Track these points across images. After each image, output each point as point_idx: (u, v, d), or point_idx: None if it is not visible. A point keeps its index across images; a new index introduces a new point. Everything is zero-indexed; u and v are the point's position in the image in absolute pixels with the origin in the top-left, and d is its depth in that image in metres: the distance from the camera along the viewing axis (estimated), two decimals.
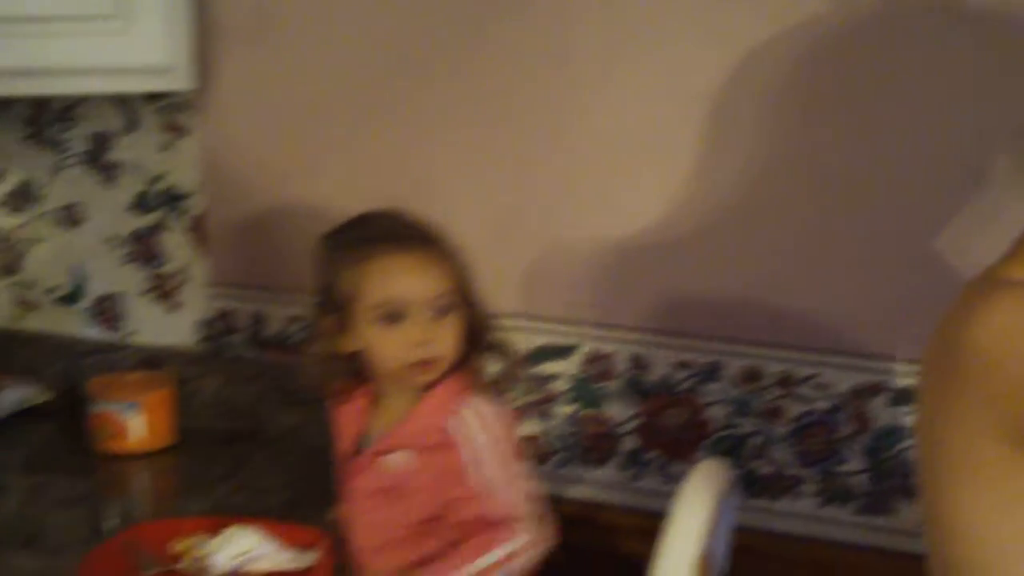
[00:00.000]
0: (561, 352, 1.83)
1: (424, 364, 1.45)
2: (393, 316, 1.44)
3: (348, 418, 1.56)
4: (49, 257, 2.16)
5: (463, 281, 1.48)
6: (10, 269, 2.19)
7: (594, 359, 1.82)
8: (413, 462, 1.46)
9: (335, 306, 1.48)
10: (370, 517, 1.50)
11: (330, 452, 1.90)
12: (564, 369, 1.84)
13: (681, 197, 1.73)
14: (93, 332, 2.15)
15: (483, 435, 1.44)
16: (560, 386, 1.85)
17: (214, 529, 1.58)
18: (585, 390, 1.82)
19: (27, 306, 2.19)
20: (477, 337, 1.50)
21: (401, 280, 1.44)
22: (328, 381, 1.55)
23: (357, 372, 1.53)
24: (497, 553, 1.39)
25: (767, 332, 1.73)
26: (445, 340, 1.46)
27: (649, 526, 1.66)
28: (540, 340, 1.83)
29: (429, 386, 1.48)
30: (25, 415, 2.07)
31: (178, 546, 1.56)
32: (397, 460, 1.47)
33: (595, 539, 1.79)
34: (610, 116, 1.74)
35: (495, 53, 1.79)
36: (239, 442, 2.01)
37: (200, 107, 1.98)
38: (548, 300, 1.82)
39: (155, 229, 2.06)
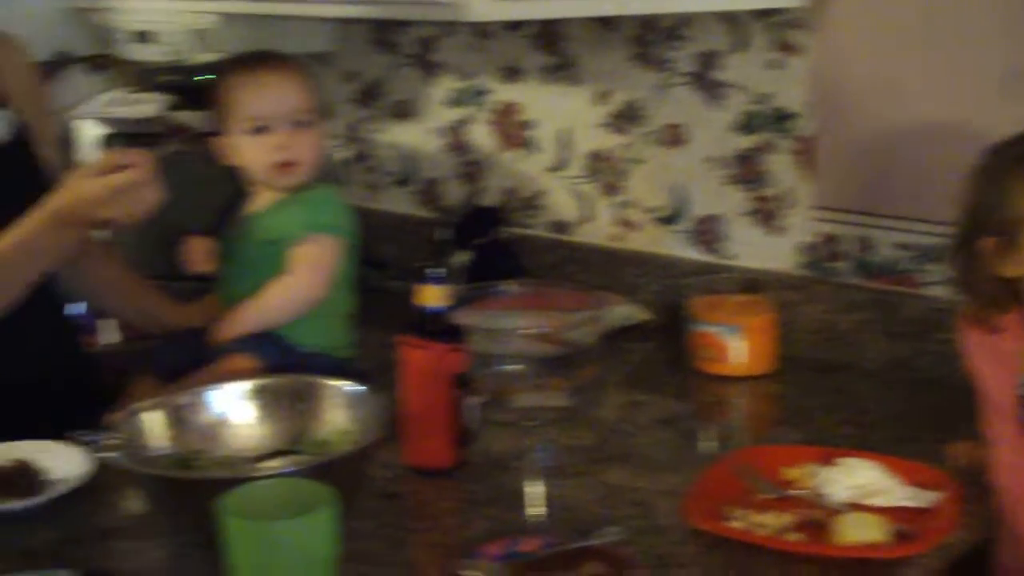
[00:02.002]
0: None
1: None
2: None
3: (997, 350, 1.52)
4: (651, 177, 2.26)
5: None
6: (612, 189, 2.32)
7: None
8: None
9: (1000, 226, 1.44)
10: None
11: (941, 385, 1.87)
12: None
13: None
14: (693, 253, 2.24)
15: None
16: None
17: (825, 459, 1.60)
18: None
19: (628, 226, 2.31)
20: None
21: None
22: (981, 307, 1.51)
23: (1008, 298, 1.49)
24: None
25: None
26: None
27: None
28: None
29: None
30: (626, 333, 2.20)
31: (790, 473, 1.60)
32: None
33: None
34: None
35: None
36: (841, 372, 2.02)
37: (814, 24, 1.98)
38: None
39: (759, 150, 2.10)
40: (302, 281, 1.85)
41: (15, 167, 1.89)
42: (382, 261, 2.58)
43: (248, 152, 1.88)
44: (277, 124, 1.86)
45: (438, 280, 1.65)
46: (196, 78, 2.45)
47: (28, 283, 1.79)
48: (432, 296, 1.64)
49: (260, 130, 1.86)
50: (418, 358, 1.65)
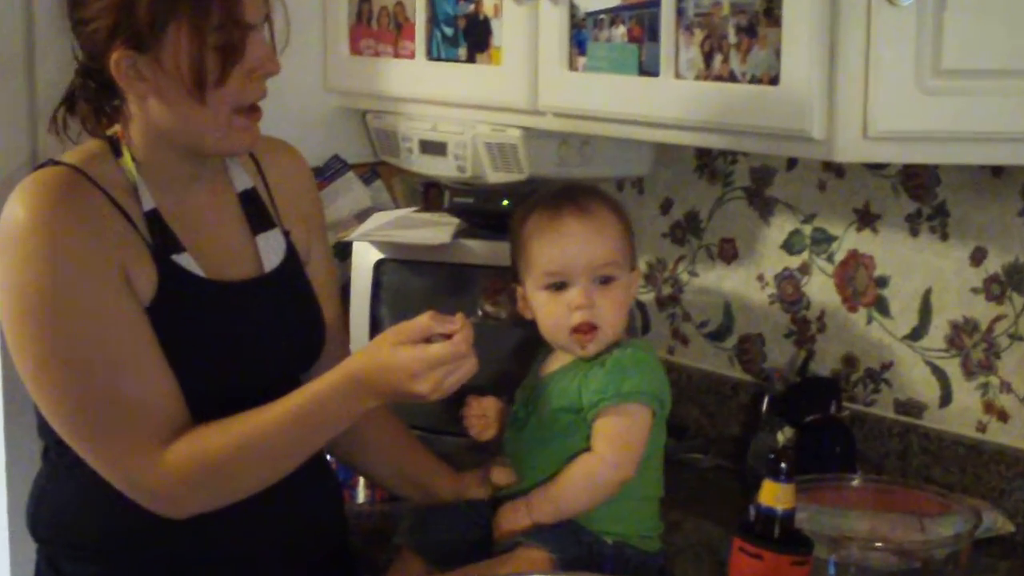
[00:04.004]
0: None
1: None
2: None
3: None
4: None
5: None
6: (981, 368, 2.24)
7: None
8: None
9: None
10: None
11: None
12: None
13: None
14: None
15: None
16: None
17: None
18: None
19: (998, 415, 2.23)
20: None
21: None
22: None
23: None
24: None
25: None
26: None
27: None
28: None
29: None
30: (985, 545, 2.09)
31: None
32: None
33: None
34: None
35: None
36: None
37: None
38: None
39: None
40: (607, 461, 1.83)
41: (281, 295, 1.93)
42: (682, 427, 2.55)
43: (543, 309, 1.88)
44: (578, 280, 1.85)
45: (787, 477, 1.60)
46: (504, 203, 2.49)
47: (311, 452, 1.81)
48: (780, 496, 1.60)
49: (558, 287, 1.86)
50: (755, 569, 1.61)
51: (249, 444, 1.76)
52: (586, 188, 1.95)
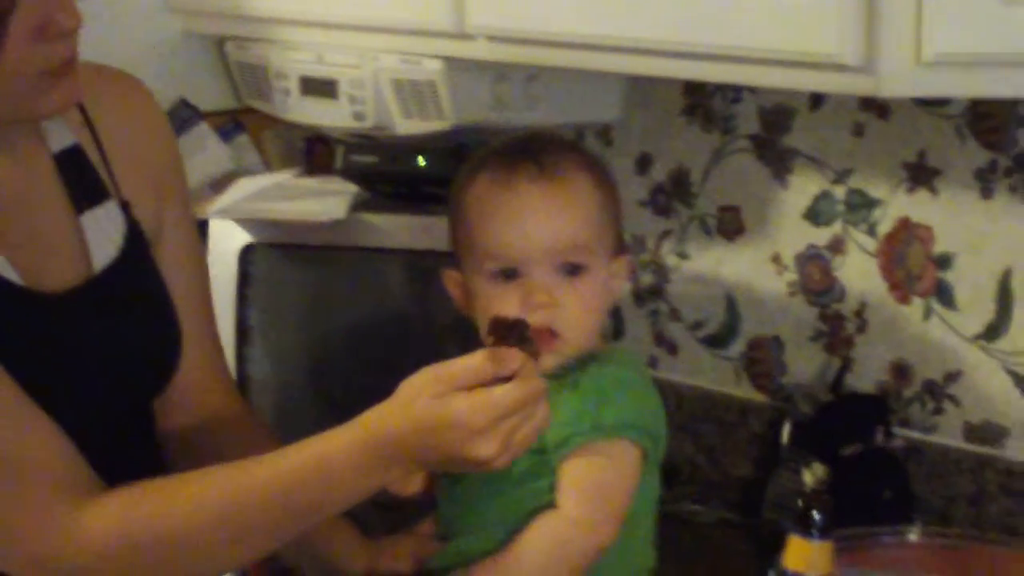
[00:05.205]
0: None
1: None
2: None
3: None
4: None
5: None
6: None
7: None
8: None
9: None
10: None
11: None
12: None
13: None
14: None
15: None
16: None
17: None
18: None
19: None
20: None
21: None
22: None
23: None
24: None
25: None
26: None
27: None
28: None
29: None
30: None
31: None
32: None
33: None
34: None
35: None
36: None
37: None
38: None
39: None
40: (579, 521, 1.81)
41: (117, 303, 1.90)
42: (672, 468, 2.56)
43: (487, 306, 1.87)
44: (533, 268, 1.85)
45: (821, 533, 1.62)
46: (420, 162, 2.48)
47: (290, 537, 1.79)
48: (811, 558, 1.62)
49: (507, 275, 1.85)
50: None
51: (218, 514, 1.73)
52: (554, 139, 1.94)
